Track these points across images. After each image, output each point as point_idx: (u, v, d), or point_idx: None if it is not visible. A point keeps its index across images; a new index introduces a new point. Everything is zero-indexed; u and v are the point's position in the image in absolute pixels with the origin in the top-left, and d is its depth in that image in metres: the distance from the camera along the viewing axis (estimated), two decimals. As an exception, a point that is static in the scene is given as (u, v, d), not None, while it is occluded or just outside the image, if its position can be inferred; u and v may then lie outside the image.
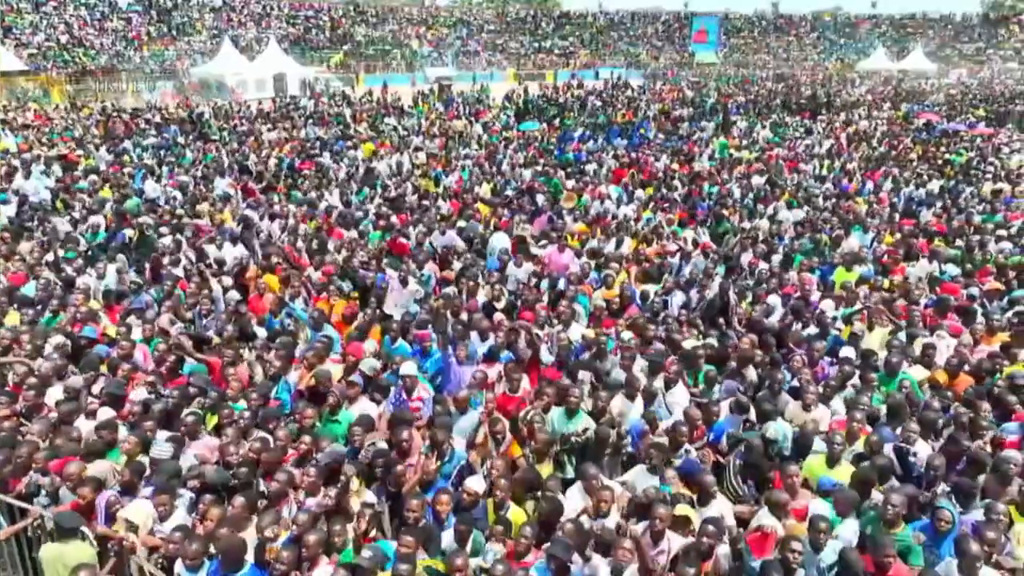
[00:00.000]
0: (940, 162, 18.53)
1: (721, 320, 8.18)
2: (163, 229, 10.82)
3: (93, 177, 14.59)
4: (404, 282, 8.58)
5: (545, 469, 5.69)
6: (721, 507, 5.15)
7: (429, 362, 7.26)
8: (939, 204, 13.85)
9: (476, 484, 5.02)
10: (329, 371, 6.40)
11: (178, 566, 4.52)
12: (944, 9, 69.94)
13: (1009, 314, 8.47)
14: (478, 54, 60.22)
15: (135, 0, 48.79)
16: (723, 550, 4.78)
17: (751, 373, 6.84)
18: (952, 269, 10.01)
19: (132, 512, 4.84)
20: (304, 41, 54.16)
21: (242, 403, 6.06)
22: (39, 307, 7.88)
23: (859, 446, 5.71)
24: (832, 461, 5.44)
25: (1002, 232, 11.93)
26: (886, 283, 9.43)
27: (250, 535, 4.69)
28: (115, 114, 25.53)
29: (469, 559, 4.40)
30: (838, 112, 30.56)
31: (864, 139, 22.33)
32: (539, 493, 5.22)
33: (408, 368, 6.38)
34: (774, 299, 8.60)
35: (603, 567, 4.51)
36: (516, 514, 5.11)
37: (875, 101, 34.20)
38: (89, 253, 10.00)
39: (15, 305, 7.98)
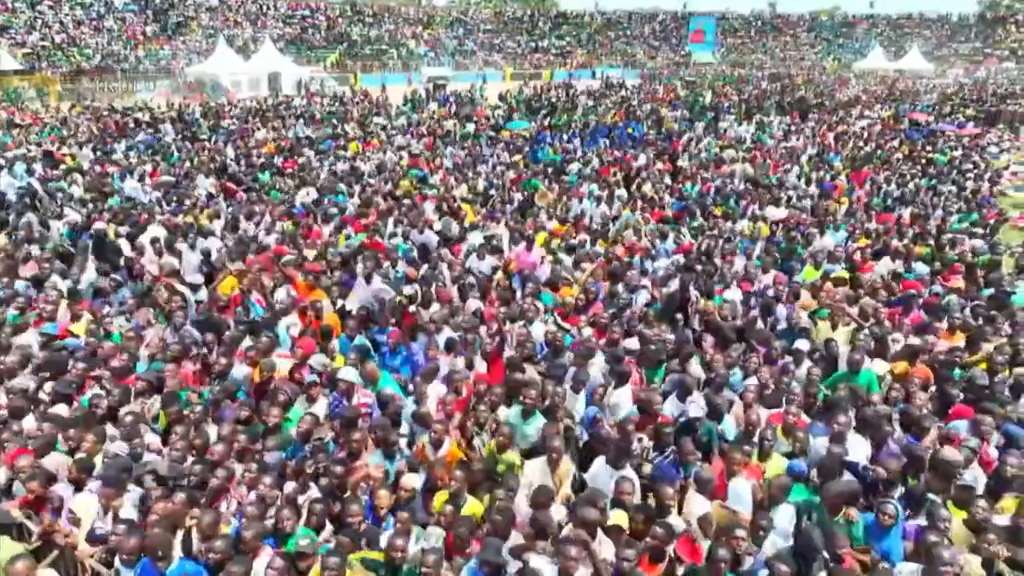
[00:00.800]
0: (924, 161, 18.57)
1: (680, 316, 8.22)
2: (122, 229, 10.84)
3: (76, 175, 14.69)
4: (368, 279, 8.62)
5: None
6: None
7: (398, 359, 7.34)
8: (917, 203, 13.88)
9: (412, 481, 5.07)
10: (273, 361, 6.41)
11: (118, 561, 4.57)
12: (941, 9, 69.96)
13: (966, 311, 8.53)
14: (474, 54, 60.28)
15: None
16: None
17: (695, 368, 6.89)
18: (921, 267, 10.05)
19: (76, 506, 4.89)
20: (300, 40, 54.25)
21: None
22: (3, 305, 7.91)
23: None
24: (763, 456, 5.49)
25: (978, 230, 12.00)
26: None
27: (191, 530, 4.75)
28: (106, 113, 25.64)
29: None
30: (831, 112, 30.59)
31: (852, 139, 22.33)
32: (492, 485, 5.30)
33: (347, 373, 6.37)
34: (732, 294, 8.67)
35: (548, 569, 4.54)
36: (473, 505, 5.15)
37: (868, 101, 34.21)
38: (60, 250, 10.04)
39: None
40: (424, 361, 7.17)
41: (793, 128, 25.02)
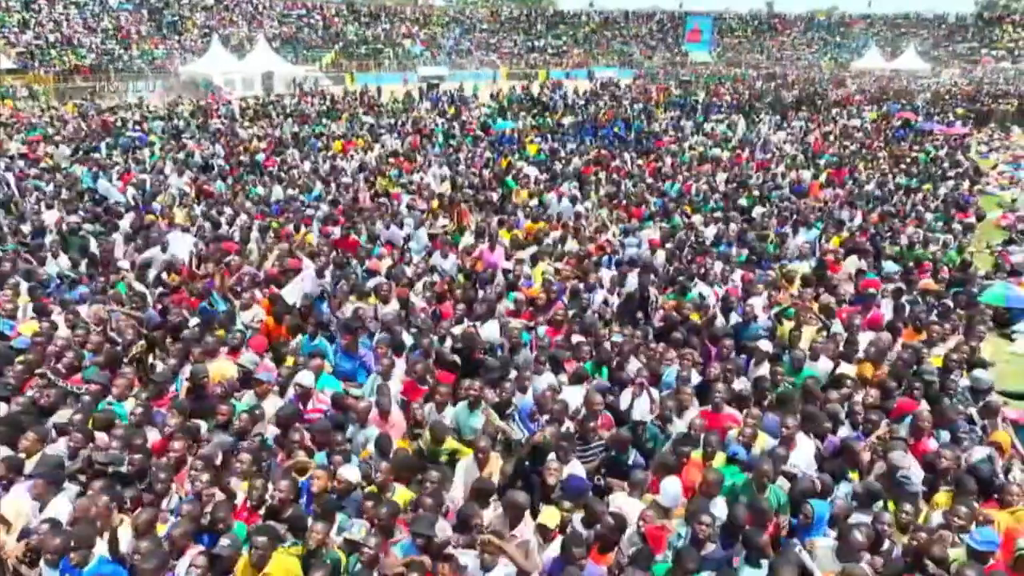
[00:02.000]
0: (908, 161, 18.53)
1: (640, 315, 8.20)
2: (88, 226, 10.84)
3: (58, 174, 14.72)
4: (320, 274, 8.61)
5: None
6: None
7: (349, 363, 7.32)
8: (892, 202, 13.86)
9: (348, 473, 5.06)
10: (203, 368, 6.40)
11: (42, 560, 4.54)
12: (939, 9, 69.75)
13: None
14: (471, 53, 60.25)
15: (126, -1, 49.00)
16: (626, 541, 4.85)
17: (632, 367, 6.90)
18: (891, 266, 10.03)
19: (6, 505, 4.86)
20: (296, 40, 54.23)
21: (130, 402, 6.06)
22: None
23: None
24: (707, 457, 5.49)
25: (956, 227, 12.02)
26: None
27: (122, 529, 4.73)
28: (94, 113, 25.66)
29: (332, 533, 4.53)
30: (824, 111, 30.56)
31: (838, 138, 22.31)
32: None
33: (304, 378, 6.33)
34: (704, 290, 8.67)
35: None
36: (402, 494, 5.18)
37: (860, 100, 34.17)
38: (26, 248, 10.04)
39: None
40: (373, 361, 7.12)
41: (784, 127, 25.05)
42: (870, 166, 17.94)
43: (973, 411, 6.42)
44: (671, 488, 5.08)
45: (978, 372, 6.79)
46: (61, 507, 4.99)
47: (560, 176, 16.08)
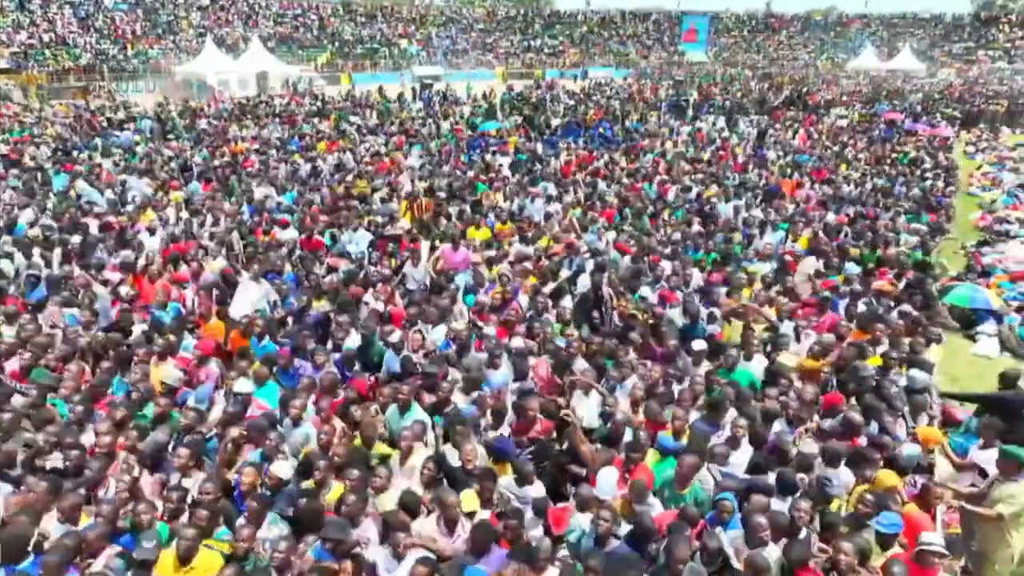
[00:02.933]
0: (889, 162, 18.55)
1: (596, 315, 8.25)
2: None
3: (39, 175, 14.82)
4: (256, 279, 8.68)
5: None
6: (538, 490, 5.34)
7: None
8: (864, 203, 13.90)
9: (280, 470, 5.12)
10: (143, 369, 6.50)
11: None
12: (935, 8, 69.60)
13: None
14: (467, 53, 60.30)
15: (121, -1, 49.10)
16: (534, 533, 4.93)
17: (579, 364, 6.99)
18: (852, 267, 10.08)
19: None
20: (292, 40, 54.30)
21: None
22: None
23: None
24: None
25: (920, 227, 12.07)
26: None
27: (52, 523, 4.81)
28: (84, 113, 25.74)
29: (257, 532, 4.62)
30: (814, 111, 30.60)
31: (821, 138, 22.35)
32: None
33: (242, 385, 6.39)
34: (646, 291, 8.72)
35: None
36: (338, 490, 5.25)
37: (849, 101, 34.18)
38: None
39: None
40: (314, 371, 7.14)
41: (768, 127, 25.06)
42: (850, 167, 17.96)
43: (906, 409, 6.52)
44: (607, 479, 5.15)
45: (914, 372, 6.84)
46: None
47: (539, 177, 16.13)
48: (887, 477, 5.32)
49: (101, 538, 4.56)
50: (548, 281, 9.26)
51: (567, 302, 8.83)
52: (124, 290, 8.77)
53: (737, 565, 4.55)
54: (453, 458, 5.55)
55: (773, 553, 4.57)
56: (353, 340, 7.56)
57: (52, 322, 7.85)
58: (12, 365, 6.80)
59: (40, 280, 8.98)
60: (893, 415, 6.13)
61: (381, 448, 5.84)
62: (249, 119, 25.79)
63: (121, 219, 11.71)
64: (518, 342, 7.38)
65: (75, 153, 17.69)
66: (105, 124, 23.01)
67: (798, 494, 5.05)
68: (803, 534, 4.75)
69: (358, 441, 5.91)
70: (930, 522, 4.97)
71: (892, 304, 8.82)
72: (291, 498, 5.17)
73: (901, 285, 9.53)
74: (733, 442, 5.78)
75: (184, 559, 4.47)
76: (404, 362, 6.96)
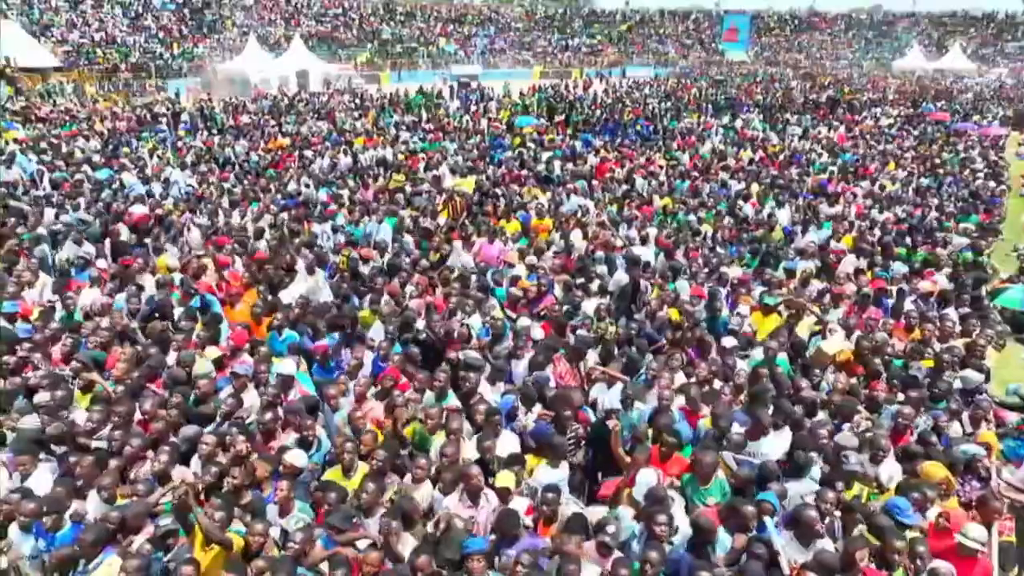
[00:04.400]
0: (938, 161, 18.03)
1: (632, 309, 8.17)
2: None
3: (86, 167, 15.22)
4: (311, 270, 8.74)
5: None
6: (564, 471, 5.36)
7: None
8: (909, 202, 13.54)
9: (296, 459, 5.15)
10: (192, 355, 6.62)
11: (12, 528, 4.72)
12: (987, 6, 67.34)
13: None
14: (504, 52, 60.36)
15: (169, -1, 50.32)
16: (567, 511, 4.87)
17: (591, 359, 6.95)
18: (899, 266, 9.82)
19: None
20: (332, 39, 54.98)
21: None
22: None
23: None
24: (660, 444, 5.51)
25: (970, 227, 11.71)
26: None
27: (93, 497, 4.91)
28: (129, 109, 26.43)
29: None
30: (858, 111, 29.92)
31: (865, 138, 21.84)
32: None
33: (285, 367, 6.46)
34: (682, 285, 8.62)
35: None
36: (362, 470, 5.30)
37: (895, 100, 33.36)
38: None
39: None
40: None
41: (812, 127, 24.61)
42: (897, 166, 17.52)
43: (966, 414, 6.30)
44: (646, 481, 5.06)
45: (967, 372, 6.61)
46: (42, 480, 5.20)
47: (574, 174, 16.07)
48: (935, 469, 5.16)
49: (139, 517, 4.64)
50: (581, 276, 9.20)
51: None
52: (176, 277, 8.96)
53: (786, 569, 4.42)
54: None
55: (828, 546, 4.49)
56: (377, 331, 7.60)
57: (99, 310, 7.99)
58: (56, 352, 6.97)
59: (88, 263, 9.21)
60: (948, 415, 5.96)
61: (416, 426, 5.82)
62: (289, 115, 26.19)
63: (167, 210, 11.99)
64: (537, 332, 7.33)
65: (122, 147, 18.12)
66: (151, 120, 23.51)
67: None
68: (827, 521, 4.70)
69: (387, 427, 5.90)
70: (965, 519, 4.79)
71: (940, 304, 8.54)
72: (308, 486, 5.20)
73: (951, 286, 9.22)
74: (755, 431, 5.65)
75: (207, 540, 4.50)
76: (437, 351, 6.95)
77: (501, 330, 7.38)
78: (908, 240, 10.87)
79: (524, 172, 15.84)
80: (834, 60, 62.60)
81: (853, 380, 6.56)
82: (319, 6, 58.22)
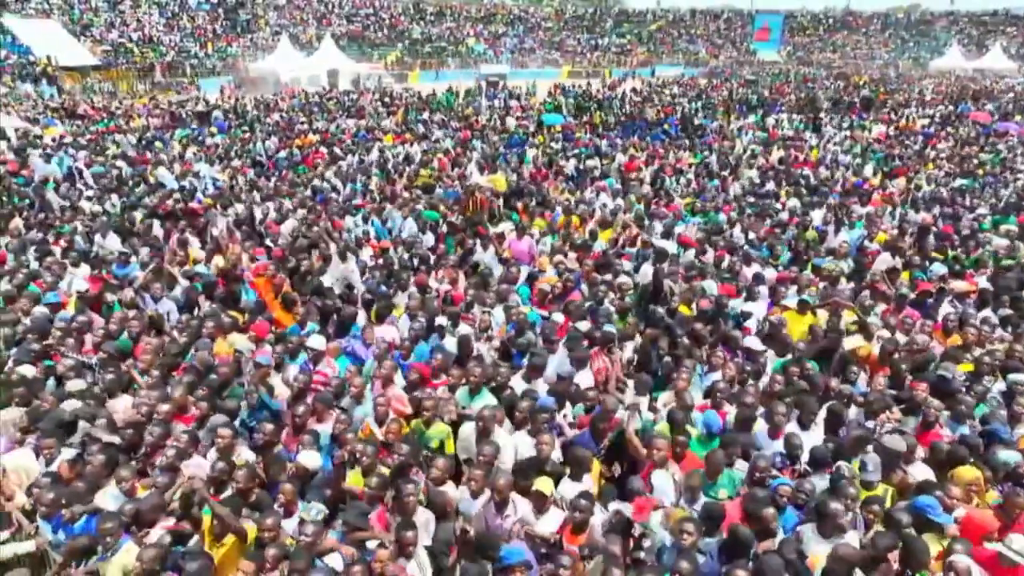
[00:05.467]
0: (976, 162, 17.57)
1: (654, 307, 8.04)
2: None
3: (121, 161, 15.53)
4: (343, 257, 8.78)
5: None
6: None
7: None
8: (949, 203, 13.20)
9: (307, 460, 5.14)
10: (207, 342, 6.71)
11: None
12: (1030, 5, 65.44)
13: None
14: (533, 51, 60.26)
15: (204, -1, 51.15)
16: (598, 519, 4.79)
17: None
18: (938, 268, 9.56)
19: (11, 459, 5.16)
20: (362, 38, 55.38)
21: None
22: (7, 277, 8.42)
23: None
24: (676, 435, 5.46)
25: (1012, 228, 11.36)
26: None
27: (111, 490, 4.95)
28: (165, 106, 26.90)
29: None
30: (892, 110, 29.31)
31: (900, 137, 21.41)
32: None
33: (316, 342, 6.51)
34: (710, 284, 8.50)
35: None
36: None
37: (933, 100, 32.62)
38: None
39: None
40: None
41: (845, 126, 24.19)
42: (934, 166, 17.12)
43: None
44: (660, 483, 5.04)
45: (1014, 376, 6.38)
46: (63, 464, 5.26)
47: (601, 172, 16.00)
48: (967, 471, 5.01)
49: (155, 509, 4.66)
50: (607, 272, 9.11)
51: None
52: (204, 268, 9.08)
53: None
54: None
55: (853, 540, 4.38)
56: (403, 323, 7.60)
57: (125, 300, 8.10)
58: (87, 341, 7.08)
59: (130, 259, 9.36)
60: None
61: (441, 429, 5.72)
62: (318, 113, 26.46)
63: (206, 204, 12.15)
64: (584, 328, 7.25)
65: (156, 143, 18.44)
66: (185, 116, 23.90)
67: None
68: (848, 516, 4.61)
69: (417, 423, 5.85)
70: (993, 523, 4.61)
71: (977, 307, 8.29)
72: (322, 487, 5.15)
73: (991, 288, 8.94)
74: (773, 430, 5.60)
75: (218, 536, 4.52)
76: (462, 343, 6.89)
77: (526, 321, 7.32)
78: (947, 242, 10.55)
79: (549, 171, 15.79)
80: (869, 60, 61.40)
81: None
82: (350, 6, 58.71)
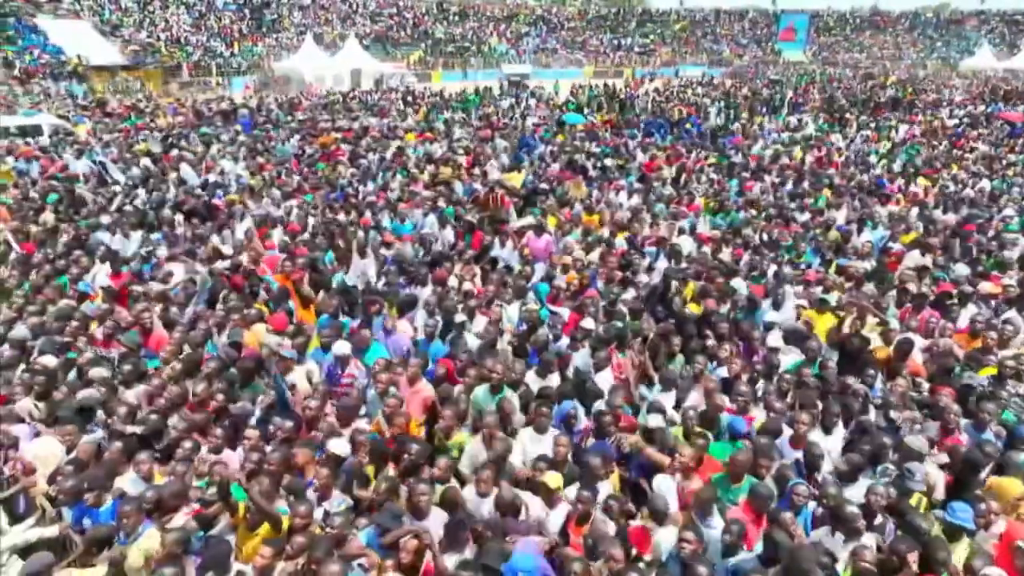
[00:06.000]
0: (1004, 163, 17.25)
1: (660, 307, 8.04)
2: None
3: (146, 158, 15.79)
4: (362, 253, 8.86)
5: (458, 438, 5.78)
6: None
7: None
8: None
9: (338, 447, 5.19)
10: (239, 331, 6.79)
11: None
12: (1065, 3, 64.18)
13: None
14: (556, 51, 60.21)
15: (231, -1, 51.82)
16: (600, 515, 4.79)
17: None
18: (961, 268, 9.41)
19: (36, 447, 5.27)
20: (386, 38, 55.72)
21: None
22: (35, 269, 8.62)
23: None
24: (687, 435, 5.48)
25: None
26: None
27: (129, 476, 5.05)
28: (191, 104, 27.30)
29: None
30: (920, 111, 28.87)
31: (928, 137, 21.09)
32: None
33: (341, 347, 6.57)
34: (739, 283, 8.46)
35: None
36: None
37: (963, 101, 32.06)
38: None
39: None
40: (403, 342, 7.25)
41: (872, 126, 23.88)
42: (960, 167, 16.85)
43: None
44: (662, 487, 5.01)
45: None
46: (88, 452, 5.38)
47: (622, 171, 15.96)
48: (1011, 485, 4.88)
49: (177, 495, 4.75)
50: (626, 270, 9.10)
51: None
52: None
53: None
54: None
55: (868, 541, 4.34)
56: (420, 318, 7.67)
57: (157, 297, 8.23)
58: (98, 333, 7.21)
59: (150, 257, 9.51)
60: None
61: (462, 438, 5.74)
62: (341, 111, 26.70)
63: (228, 200, 12.30)
64: (589, 325, 7.25)
65: (181, 141, 18.71)
66: (210, 115, 24.23)
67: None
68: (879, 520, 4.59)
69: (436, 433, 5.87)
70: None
71: (1004, 308, 8.14)
72: (350, 476, 5.20)
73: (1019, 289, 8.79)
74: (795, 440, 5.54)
75: (252, 524, 4.59)
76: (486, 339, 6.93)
77: (538, 321, 7.33)
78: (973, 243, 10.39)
79: (569, 170, 15.77)
80: (896, 60, 60.50)
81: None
82: (374, 6, 59.09)
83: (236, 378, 6.29)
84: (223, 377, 6.13)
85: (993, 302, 8.24)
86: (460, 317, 7.49)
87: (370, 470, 5.24)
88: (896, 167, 16.30)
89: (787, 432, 5.59)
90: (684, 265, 9.04)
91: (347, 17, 56.28)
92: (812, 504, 4.80)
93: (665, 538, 4.52)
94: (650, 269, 9.10)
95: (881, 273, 9.23)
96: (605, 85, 34.86)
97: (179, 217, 11.09)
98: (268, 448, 5.41)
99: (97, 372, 6.05)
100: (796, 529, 4.39)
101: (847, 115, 25.70)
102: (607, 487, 5.11)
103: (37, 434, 5.44)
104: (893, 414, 5.82)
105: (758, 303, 7.86)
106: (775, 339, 6.96)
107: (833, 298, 8.05)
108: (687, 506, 4.87)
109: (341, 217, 11.27)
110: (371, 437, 5.50)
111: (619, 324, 7.18)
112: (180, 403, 5.84)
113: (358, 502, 4.99)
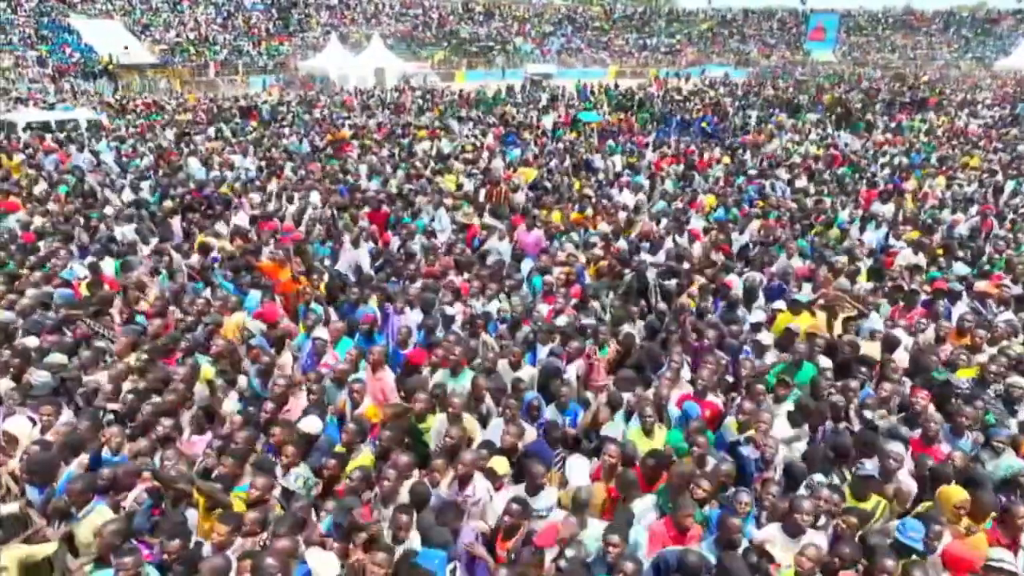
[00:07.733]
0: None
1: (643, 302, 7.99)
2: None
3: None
4: (356, 243, 8.94)
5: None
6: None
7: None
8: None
9: (309, 425, 5.28)
10: (219, 318, 6.87)
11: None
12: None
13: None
14: (580, 51, 60.01)
15: (259, -1, 52.60)
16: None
17: None
18: (961, 267, 9.21)
19: (8, 426, 5.40)
20: (411, 38, 56.05)
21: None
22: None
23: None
24: (647, 432, 5.33)
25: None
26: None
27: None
28: (209, 102, 27.78)
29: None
30: (947, 111, 28.26)
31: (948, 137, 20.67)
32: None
33: (320, 332, 6.63)
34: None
35: None
36: (364, 457, 5.27)
37: (993, 101, 31.30)
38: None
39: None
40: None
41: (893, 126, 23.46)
42: (977, 160, 16.52)
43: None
44: (576, 469, 4.97)
45: (1014, 379, 6.06)
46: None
47: (632, 168, 15.87)
48: (954, 492, 4.65)
49: (131, 474, 4.82)
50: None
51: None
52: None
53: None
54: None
55: (815, 539, 4.24)
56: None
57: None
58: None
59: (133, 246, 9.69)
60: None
61: (432, 421, 5.77)
62: (359, 109, 26.98)
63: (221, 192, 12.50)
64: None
65: (195, 136, 19.06)
66: (229, 111, 24.63)
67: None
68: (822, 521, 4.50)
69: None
70: (978, 557, 4.20)
71: (1000, 309, 7.93)
72: (322, 454, 5.24)
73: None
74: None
75: (210, 507, 4.61)
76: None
77: (519, 316, 7.33)
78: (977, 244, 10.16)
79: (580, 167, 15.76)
80: (929, 60, 59.18)
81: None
82: (399, 6, 59.48)
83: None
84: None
85: (990, 301, 8.03)
86: (450, 311, 7.57)
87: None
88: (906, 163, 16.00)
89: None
90: (660, 260, 8.96)
91: (372, 16, 56.74)
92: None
93: (590, 534, 4.40)
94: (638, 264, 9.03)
95: (879, 271, 9.08)
96: (616, 87, 34.65)
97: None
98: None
99: (56, 358, 6.19)
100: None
101: (868, 116, 25.23)
102: (551, 494, 4.90)
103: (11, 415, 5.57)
104: (868, 414, 5.70)
105: (738, 301, 7.75)
106: (764, 336, 6.86)
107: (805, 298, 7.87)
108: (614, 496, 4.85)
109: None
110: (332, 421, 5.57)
111: (594, 320, 7.15)
112: (158, 387, 5.93)
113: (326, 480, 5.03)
